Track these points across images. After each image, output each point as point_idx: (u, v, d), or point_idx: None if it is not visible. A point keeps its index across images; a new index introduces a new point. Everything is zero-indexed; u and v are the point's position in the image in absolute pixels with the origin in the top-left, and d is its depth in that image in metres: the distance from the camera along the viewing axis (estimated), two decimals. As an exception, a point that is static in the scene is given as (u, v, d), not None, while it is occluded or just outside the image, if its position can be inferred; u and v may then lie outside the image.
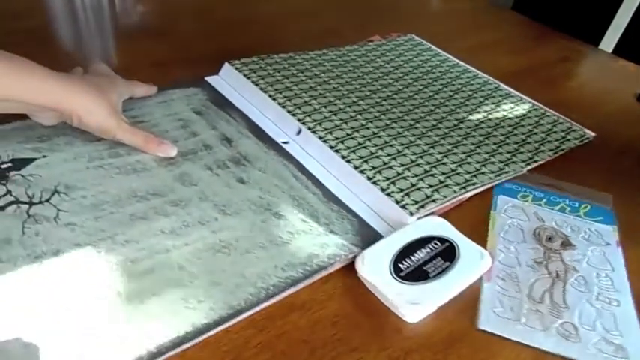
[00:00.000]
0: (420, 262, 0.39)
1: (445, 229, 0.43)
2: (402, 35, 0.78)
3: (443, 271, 0.39)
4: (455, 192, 0.47)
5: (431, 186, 0.47)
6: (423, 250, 0.40)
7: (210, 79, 0.61)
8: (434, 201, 0.45)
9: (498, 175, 0.51)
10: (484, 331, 0.37)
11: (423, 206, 0.45)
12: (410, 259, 0.40)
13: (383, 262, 0.39)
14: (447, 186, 0.47)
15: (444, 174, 0.49)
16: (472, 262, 0.40)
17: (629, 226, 0.48)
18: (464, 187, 0.48)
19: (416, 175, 0.48)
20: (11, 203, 0.40)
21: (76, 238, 0.38)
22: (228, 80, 0.61)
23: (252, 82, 0.59)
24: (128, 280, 0.36)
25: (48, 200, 0.41)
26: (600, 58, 0.88)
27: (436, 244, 0.41)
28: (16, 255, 0.36)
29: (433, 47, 0.75)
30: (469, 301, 0.39)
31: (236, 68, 0.60)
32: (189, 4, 0.83)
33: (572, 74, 0.80)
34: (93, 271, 0.36)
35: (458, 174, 0.49)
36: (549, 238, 0.45)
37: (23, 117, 0.50)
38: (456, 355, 0.35)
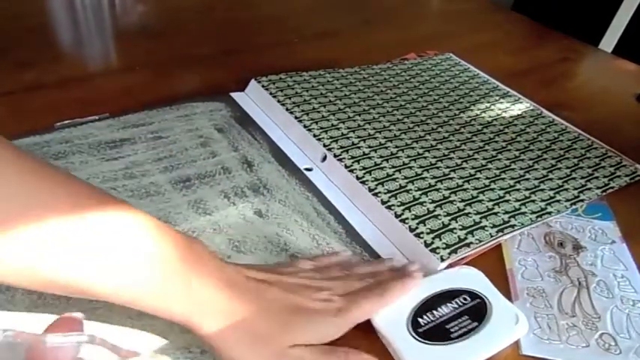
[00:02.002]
0: (443, 319, 0.35)
1: (478, 282, 0.38)
2: (439, 54, 0.73)
3: (467, 333, 0.34)
4: (491, 235, 0.43)
5: (464, 227, 0.43)
6: (449, 304, 0.36)
7: (235, 95, 0.59)
8: (467, 245, 0.41)
9: (540, 216, 0.46)
10: (528, 356, 0.35)
11: (455, 251, 0.41)
12: (432, 313, 0.35)
13: (401, 314, 0.35)
14: (482, 227, 0.43)
15: (479, 213, 0.45)
16: (504, 326, 0.35)
17: (628, 220, 0.48)
18: (501, 230, 0.44)
19: (448, 214, 0.44)
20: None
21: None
22: (254, 97, 0.58)
23: (278, 101, 0.56)
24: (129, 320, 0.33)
25: (55, 225, 0.39)
26: (600, 58, 0.87)
27: (465, 299, 0.36)
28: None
29: (472, 67, 0.71)
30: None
31: (262, 86, 0.58)
32: (189, 4, 0.82)
33: (572, 74, 0.79)
34: (93, 306, 0.34)
35: (495, 213, 0.45)
36: (560, 244, 0.44)
37: (40, 132, 0.49)
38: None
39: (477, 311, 0.36)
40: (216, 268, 0.31)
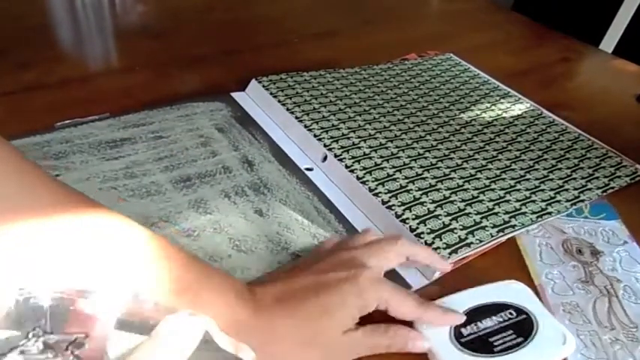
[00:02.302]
0: (487, 332, 0.34)
1: (525, 298, 0.37)
2: (440, 54, 0.73)
3: (512, 348, 0.34)
4: (492, 235, 0.43)
5: (464, 227, 0.43)
6: (494, 317, 0.35)
7: (235, 95, 0.59)
8: (468, 245, 0.41)
9: (540, 217, 0.46)
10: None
11: (455, 251, 0.41)
12: (476, 325, 0.35)
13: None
14: (482, 227, 0.43)
15: (479, 213, 0.45)
16: (551, 345, 0.34)
17: (631, 219, 0.48)
18: (502, 230, 0.44)
19: (449, 214, 0.44)
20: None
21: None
22: (254, 97, 0.58)
23: (279, 101, 0.56)
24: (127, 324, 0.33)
25: (56, 225, 0.39)
26: (600, 58, 0.87)
27: (511, 314, 0.36)
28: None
29: (472, 67, 0.71)
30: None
31: (263, 86, 0.58)
32: (189, 4, 0.82)
33: (573, 74, 0.79)
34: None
35: (495, 213, 0.45)
36: (579, 251, 0.43)
37: (41, 132, 0.49)
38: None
39: (523, 327, 0.35)
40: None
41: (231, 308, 0.30)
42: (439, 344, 0.34)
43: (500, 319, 0.35)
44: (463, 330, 0.34)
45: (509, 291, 0.38)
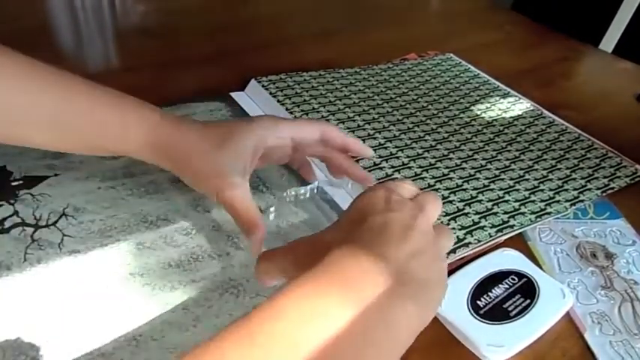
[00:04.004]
0: (500, 300, 0.37)
1: (522, 263, 0.41)
2: (440, 54, 0.73)
3: (524, 310, 0.36)
4: (490, 235, 0.43)
5: (463, 227, 0.43)
6: (501, 286, 0.38)
7: (235, 94, 0.59)
8: (466, 245, 0.41)
9: (539, 217, 0.46)
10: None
11: (453, 251, 0.41)
12: (488, 295, 0.37)
13: (459, 298, 0.37)
14: (481, 228, 0.43)
15: (478, 213, 0.45)
16: (554, 301, 0.38)
17: (633, 219, 0.48)
18: (500, 230, 0.43)
19: (447, 214, 0.44)
20: (17, 225, 0.39)
21: (77, 268, 0.36)
22: (254, 97, 0.58)
23: (278, 101, 0.56)
24: (127, 322, 0.33)
25: (54, 223, 0.39)
26: (600, 58, 0.87)
27: (513, 279, 0.39)
28: (14, 284, 0.34)
29: (472, 67, 0.71)
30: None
31: (262, 85, 0.58)
32: (189, 4, 0.82)
33: (572, 74, 0.79)
34: (91, 309, 0.34)
35: (494, 214, 0.45)
36: (593, 255, 0.44)
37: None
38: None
39: (527, 290, 0.38)
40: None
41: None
42: (461, 320, 0.35)
43: (507, 286, 0.38)
44: (479, 302, 0.37)
45: (506, 258, 0.41)
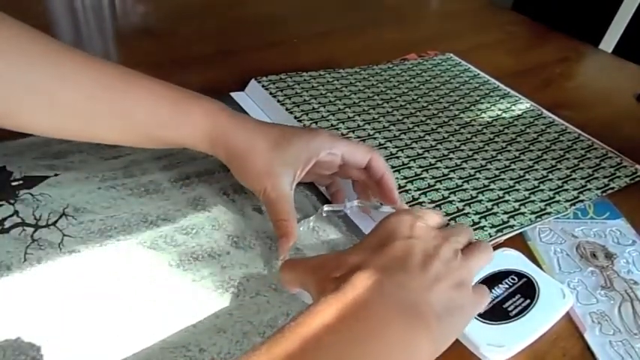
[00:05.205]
0: (500, 300, 0.37)
1: (521, 262, 0.41)
2: (440, 54, 0.73)
3: (524, 310, 0.37)
4: (490, 235, 0.43)
5: (463, 226, 0.43)
6: (501, 286, 0.38)
7: (235, 94, 0.59)
8: (466, 244, 0.41)
9: (539, 217, 0.46)
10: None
11: (453, 250, 0.41)
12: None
13: None
14: (481, 228, 0.43)
15: (478, 213, 0.45)
16: (554, 301, 0.38)
17: (634, 218, 0.48)
18: (500, 230, 0.44)
19: (447, 214, 0.44)
20: (17, 225, 0.39)
21: (77, 268, 0.36)
22: (254, 97, 0.58)
23: (278, 100, 0.56)
24: (128, 322, 0.33)
25: (54, 223, 0.39)
26: (600, 58, 0.88)
27: (513, 279, 0.39)
28: (14, 284, 0.34)
29: (472, 67, 0.71)
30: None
31: (262, 85, 0.58)
32: (189, 4, 0.82)
33: (572, 74, 0.79)
34: (91, 309, 0.34)
35: (494, 213, 0.45)
36: (593, 255, 0.44)
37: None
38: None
39: (527, 290, 0.38)
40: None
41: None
42: None
43: (507, 286, 0.38)
44: None
45: (506, 258, 0.41)
